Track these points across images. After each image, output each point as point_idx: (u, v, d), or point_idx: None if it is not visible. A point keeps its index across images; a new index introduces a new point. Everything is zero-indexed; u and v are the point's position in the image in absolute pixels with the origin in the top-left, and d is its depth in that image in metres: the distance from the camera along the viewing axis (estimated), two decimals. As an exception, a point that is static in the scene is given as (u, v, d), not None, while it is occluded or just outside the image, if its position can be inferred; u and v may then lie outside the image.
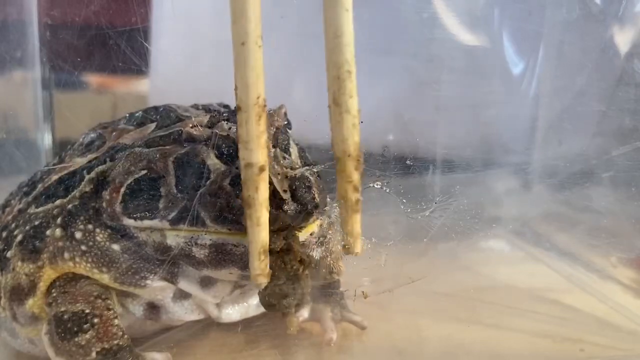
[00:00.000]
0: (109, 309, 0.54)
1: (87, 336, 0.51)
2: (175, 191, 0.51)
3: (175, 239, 0.51)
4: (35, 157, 0.99)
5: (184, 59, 0.90)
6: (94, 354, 0.51)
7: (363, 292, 0.64)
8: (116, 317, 0.54)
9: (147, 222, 0.52)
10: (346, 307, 0.68)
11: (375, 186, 0.61)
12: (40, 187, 0.61)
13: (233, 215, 0.49)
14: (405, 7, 0.89)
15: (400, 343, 0.67)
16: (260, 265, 0.48)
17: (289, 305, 0.52)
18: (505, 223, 0.94)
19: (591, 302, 0.80)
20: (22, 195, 0.62)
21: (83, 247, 0.54)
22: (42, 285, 0.55)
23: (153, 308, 0.58)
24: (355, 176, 0.52)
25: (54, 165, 0.63)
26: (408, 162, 0.66)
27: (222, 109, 0.60)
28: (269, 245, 0.48)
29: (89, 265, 0.54)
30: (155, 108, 0.60)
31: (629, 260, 0.85)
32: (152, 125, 0.57)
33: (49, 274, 0.55)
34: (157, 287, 0.56)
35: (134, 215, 0.52)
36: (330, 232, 0.58)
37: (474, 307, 0.76)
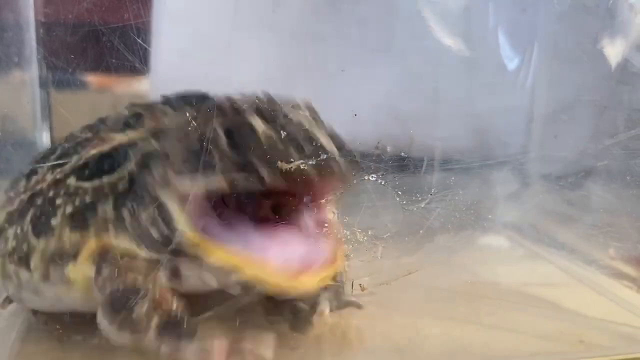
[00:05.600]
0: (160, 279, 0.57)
1: (145, 308, 0.54)
2: (230, 155, 0.53)
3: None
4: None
5: (185, 58, 0.90)
6: (154, 325, 0.53)
7: (360, 285, 0.64)
8: (170, 289, 0.57)
9: (203, 183, 0.54)
10: (341, 293, 0.68)
11: (371, 179, 0.62)
12: (76, 159, 0.63)
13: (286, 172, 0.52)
14: (399, 0, 0.89)
15: (400, 342, 0.66)
16: None
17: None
18: (501, 214, 0.94)
19: (591, 297, 0.80)
20: (50, 167, 0.65)
21: (127, 224, 0.57)
22: (85, 253, 0.59)
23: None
24: None
25: (86, 139, 0.64)
26: (403, 154, 0.67)
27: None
28: None
29: (128, 241, 0.57)
30: (190, 93, 0.63)
31: (630, 258, 0.85)
32: (189, 108, 0.60)
33: (91, 245, 0.59)
34: None
35: (191, 181, 0.55)
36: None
37: (473, 304, 0.76)
